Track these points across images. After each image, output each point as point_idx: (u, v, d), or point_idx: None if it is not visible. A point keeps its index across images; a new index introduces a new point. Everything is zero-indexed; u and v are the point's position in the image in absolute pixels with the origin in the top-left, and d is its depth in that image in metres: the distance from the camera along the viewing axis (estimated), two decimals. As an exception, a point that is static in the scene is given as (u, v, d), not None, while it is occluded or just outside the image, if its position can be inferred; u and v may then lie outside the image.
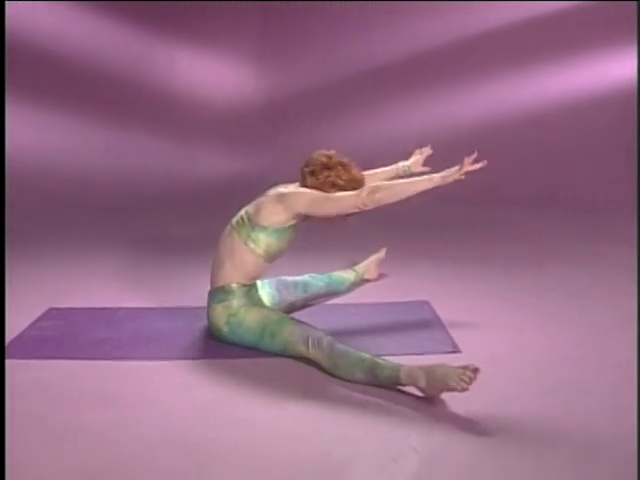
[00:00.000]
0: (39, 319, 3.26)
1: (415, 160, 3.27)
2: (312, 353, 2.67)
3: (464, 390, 2.33)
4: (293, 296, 3.31)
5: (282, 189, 2.95)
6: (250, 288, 2.97)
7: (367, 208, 2.77)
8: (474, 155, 2.69)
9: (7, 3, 6.33)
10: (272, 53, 8.25)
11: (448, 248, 4.53)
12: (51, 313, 3.36)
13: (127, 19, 7.52)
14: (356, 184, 2.91)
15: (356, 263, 3.75)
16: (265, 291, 3.16)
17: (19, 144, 6.53)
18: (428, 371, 2.40)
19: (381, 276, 3.85)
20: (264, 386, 2.57)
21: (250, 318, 2.85)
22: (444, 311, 3.32)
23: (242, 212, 2.98)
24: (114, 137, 7.26)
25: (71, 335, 3.07)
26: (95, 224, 5.60)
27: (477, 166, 2.69)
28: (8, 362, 2.73)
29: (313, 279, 3.44)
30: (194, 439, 2.18)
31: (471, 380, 2.33)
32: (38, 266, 4.27)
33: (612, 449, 2.09)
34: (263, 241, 2.88)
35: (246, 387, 2.56)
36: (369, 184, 2.85)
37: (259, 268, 2.96)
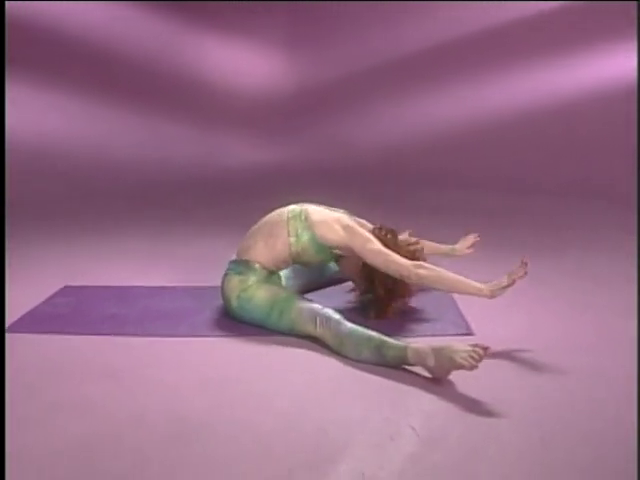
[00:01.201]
0: (53, 296, 3.27)
1: (461, 245, 3.39)
2: (319, 332, 2.63)
3: (473, 368, 2.26)
4: (309, 278, 3.27)
5: (351, 222, 2.93)
6: (272, 274, 2.94)
7: (408, 280, 2.76)
8: (524, 263, 2.62)
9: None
10: (302, 42, 8.23)
11: (468, 232, 4.45)
12: (66, 290, 3.36)
13: (156, 7, 7.55)
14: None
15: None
16: (281, 272, 3.13)
17: (46, 129, 6.59)
18: (436, 350, 2.34)
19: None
20: (269, 364, 2.53)
21: (259, 295, 2.82)
22: (461, 295, 3.24)
23: (305, 206, 2.99)
24: (142, 124, 7.30)
25: (81, 311, 3.06)
26: (119, 208, 5.63)
27: (522, 273, 2.61)
28: (15, 336, 2.75)
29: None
30: (193, 413, 2.15)
31: (481, 358, 2.26)
32: (59, 246, 4.31)
33: (618, 438, 2.00)
34: (303, 243, 2.89)
35: (251, 364, 2.53)
36: (421, 260, 2.85)
37: (280, 262, 2.94)
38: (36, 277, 3.61)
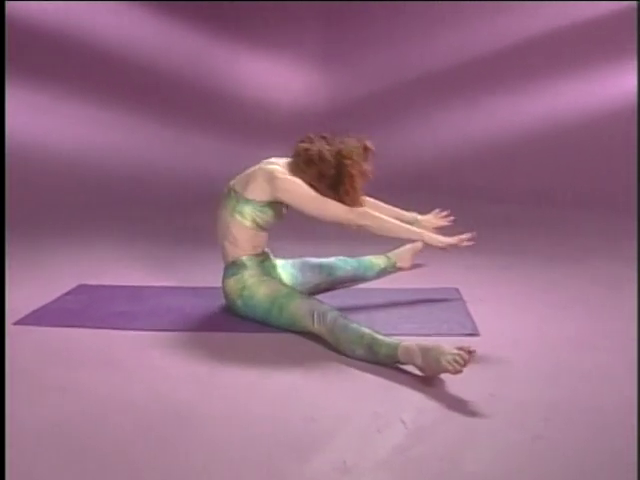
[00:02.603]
0: (66, 293, 3.31)
1: (427, 219, 3.25)
2: (317, 328, 2.60)
3: (457, 372, 2.19)
4: (317, 278, 3.23)
5: (275, 168, 2.83)
6: (262, 259, 2.93)
7: (350, 229, 2.73)
8: (472, 234, 2.81)
9: (72, 2, 6.58)
10: (336, 57, 8.24)
11: (489, 242, 4.39)
12: (79, 289, 3.40)
13: (191, 21, 7.65)
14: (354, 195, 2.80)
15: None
16: (287, 271, 3.10)
17: (75, 139, 6.71)
18: (424, 350, 2.28)
19: (416, 267, 3.72)
20: (264, 358, 2.53)
21: (260, 292, 2.81)
22: (472, 298, 3.19)
23: (232, 182, 2.94)
24: (174, 137, 7.37)
25: (91, 307, 3.09)
26: (147, 216, 5.65)
27: (466, 244, 2.82)
28: (22, 328, 2.80)
29: (341, 262, 3.35)
30: (184, 400, 2.16)
31: (465, 362, 2.19)
32: (76, 249, 4.35)
33: (617, 441, 1.92)
34: (249, 214, 2.84)
35: (246, 359, 2.52)
36: (365, 207, 2.81)
37: (255, 238, 2.90)
38: (53, 277, 3.64)
